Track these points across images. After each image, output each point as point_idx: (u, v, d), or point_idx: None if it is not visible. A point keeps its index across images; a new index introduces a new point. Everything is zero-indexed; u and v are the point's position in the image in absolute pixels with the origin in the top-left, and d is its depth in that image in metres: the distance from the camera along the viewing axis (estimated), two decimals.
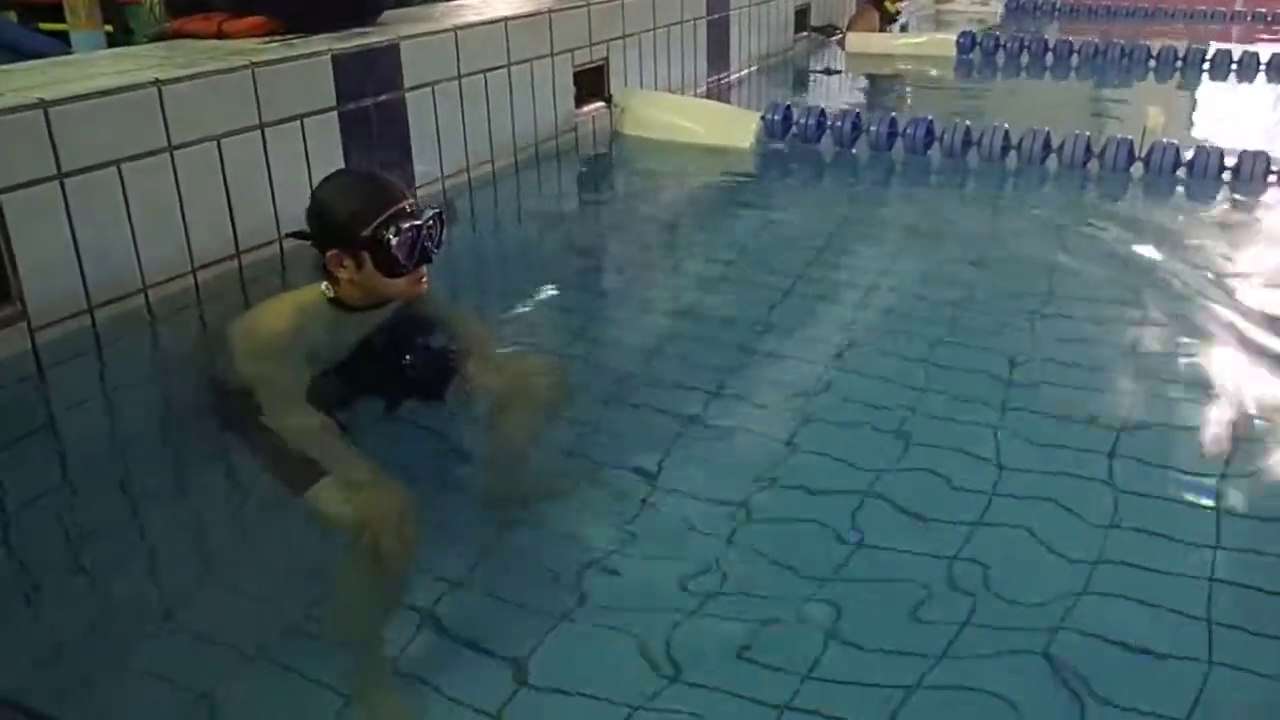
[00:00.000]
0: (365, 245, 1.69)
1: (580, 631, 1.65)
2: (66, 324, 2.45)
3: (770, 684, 1.53)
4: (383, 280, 1.73)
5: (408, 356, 1.89)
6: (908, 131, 4.31)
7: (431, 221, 1.75)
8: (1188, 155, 3.98)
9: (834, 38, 7.17)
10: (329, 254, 1.72)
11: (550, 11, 4.21)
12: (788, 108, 4.53)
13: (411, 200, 1.75)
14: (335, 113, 3.15)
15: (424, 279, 1.78)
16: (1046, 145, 4.13)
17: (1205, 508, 1.95)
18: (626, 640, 1.62)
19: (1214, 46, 6.50)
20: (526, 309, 2.95)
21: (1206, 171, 3.94)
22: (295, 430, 1.68)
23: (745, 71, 6.04)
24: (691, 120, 4.63)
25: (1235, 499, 1.98)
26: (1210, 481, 2.03)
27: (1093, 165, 4.08)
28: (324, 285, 1.77)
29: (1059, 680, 1.52)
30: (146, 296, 2.62)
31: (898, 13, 7.28)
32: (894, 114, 4.48)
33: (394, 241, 1.69)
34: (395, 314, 1.87)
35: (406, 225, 1.70)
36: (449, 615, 1.68)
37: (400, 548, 1.54)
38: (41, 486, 2.01)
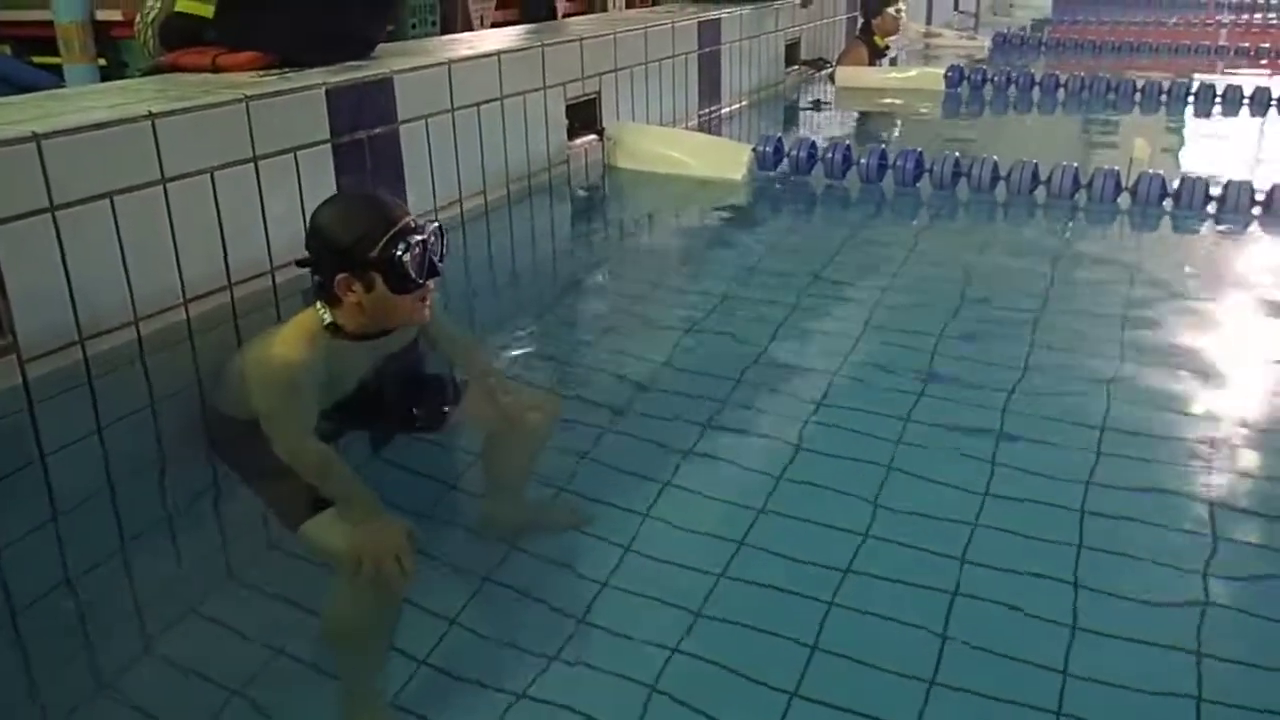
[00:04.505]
0: (375, 265, 1.67)
1: (576, 665, 1.63)
2: (57, 356, 2.44)
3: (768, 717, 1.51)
4: (392, 300, 1.70)
5: (414, 409, 1.89)
6: (898, 163, 4.34)
7: (434, 235, 1.74)
8: (1174, 185, 4.02)
9: (824, 71, 7.25)
10: (337, 279, 1.69)
11: (543, 45, 4.25)
12: (779, 140, 4.57)
13: (412, 216, 1.75)
14: (329, 145, 3.16)
15: (428, 303, 1.77)
16: (1035, 176, 4.17)
17: (1187, 531, 1.96)
18: (623, 673, 1.60)
19: (1198, 80, 6.58)
20: (519, 340, 2.95)
21: (1192, 201, 3.97)
22: (305, 462, 1.66)
23: (737, 105, 6.09)
24: (683, 152, 4.66)
25: (1221, 524, 1.99)
26: (1197, 510, 2.04)
27: (1080, 196, 4.12)
28: (322, 311, 1.74)
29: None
30: (138, 329, 2.61)
31: (886, 47, 7.36)
32: (884, 146, 4.52)
33: (405, 258, 1.67)
34: (397, 345, 1.86)
35: (414, 240, 1.69)
36: (443, 648, 1.67)
37: (400, 581, 1.53)
38: (31, 520, 1.99)
